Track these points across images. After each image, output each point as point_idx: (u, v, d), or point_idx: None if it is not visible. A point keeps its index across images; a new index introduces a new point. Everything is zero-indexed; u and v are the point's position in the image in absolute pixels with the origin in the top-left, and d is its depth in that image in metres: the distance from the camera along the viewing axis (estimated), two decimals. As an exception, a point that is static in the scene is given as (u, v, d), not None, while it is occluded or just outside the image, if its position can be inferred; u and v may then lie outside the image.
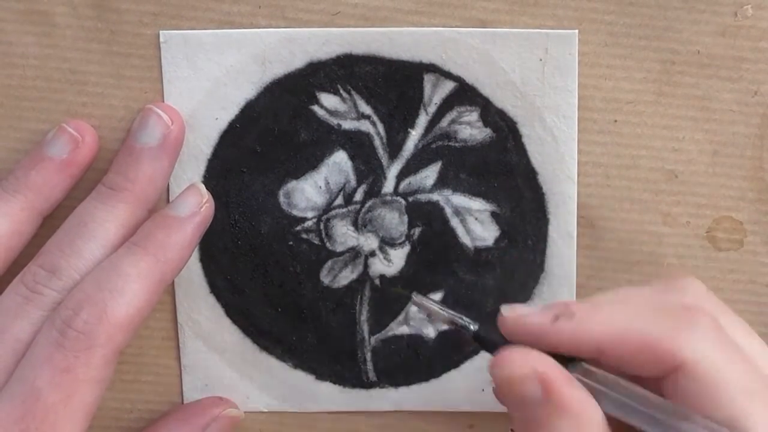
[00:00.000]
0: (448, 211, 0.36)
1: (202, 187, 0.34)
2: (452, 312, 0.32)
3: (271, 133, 0.35)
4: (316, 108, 0.35)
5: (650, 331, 0.28)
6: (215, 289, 0.36)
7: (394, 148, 0.35)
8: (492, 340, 0.31)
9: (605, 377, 0.29)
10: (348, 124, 0.35)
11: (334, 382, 0.37)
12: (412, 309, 0.36)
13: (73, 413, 0.29)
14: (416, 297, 0.32)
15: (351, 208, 0.36)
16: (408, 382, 0.37)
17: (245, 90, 0.35)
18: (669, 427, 0.28)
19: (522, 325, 0.30)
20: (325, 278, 0.36)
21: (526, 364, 0.29)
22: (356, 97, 0.35)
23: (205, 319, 0.37)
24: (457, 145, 0.35)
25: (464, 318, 0.31)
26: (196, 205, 0.33)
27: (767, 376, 0.28)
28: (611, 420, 0.29)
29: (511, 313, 0.30)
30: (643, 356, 0.28)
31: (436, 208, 0.36)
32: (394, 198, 0.36)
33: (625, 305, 0.29)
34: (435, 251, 0.36)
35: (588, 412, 0.28)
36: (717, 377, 0.27)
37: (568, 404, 0.28)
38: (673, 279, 0.31)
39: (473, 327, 0.31)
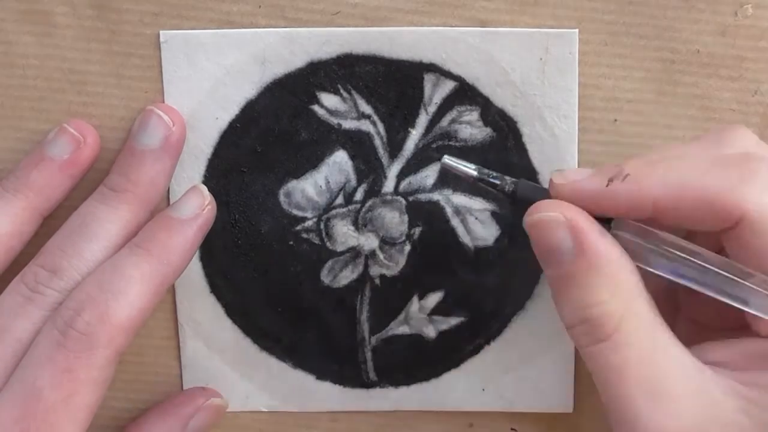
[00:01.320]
0: (449, 210, 0.36)
1: (205, 189, 0.34)
2: (486, 170, 0.31)
3: (272, 132, 0.35)
4: (316, 108, 0.35)
5: (709, 185, 0.27)
6: (215, 288, 0.36)
7: (394, 148, 0.35)
8: (532, 199, 0.30)
9: (652, 233, 0.28)
10: (348, 124, 0.35)
11: (335, 382, 0.37)
12: (413, 308, 0.36)
13: (73, 414, 0.29)
14: (447, 159, 0.32)
15: (351, 207, 0.36)
16: (408, 381, 0.37)
17: (245, 90, 0.35)
18: (725, 286, 0.27)
19: (576, 191, 0.29)
20: (325, 278, 0.36)
21: (557, 210, 0.28)
22: (356, 96, 0.35)
23: (205, 318, 0.37)
24: (457, 144, 0.35)
25: (502, 176, 0.31)
26: (198, 208, 0.33)
27: None
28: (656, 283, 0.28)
29: (562, 179, 0.29)
30: (703, 211, 0.27)
31: (436, 208, 0.36)
32: (395, 197, 0.36)
33: (680, 160, 0.28)
34: (435, 251, 0.36)
35: (623, 266, 0.28)
36: None
37: (602, 258, 0.27)
38: (722, 130, 0.30)
39: (509, 185, 0.31)
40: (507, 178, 0.31)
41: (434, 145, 0.35)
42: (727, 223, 0.27)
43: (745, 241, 0.27)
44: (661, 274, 0.28)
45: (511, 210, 0.35)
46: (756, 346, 0.28)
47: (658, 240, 0.28)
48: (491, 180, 0.31)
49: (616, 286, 0.28)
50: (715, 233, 0.28)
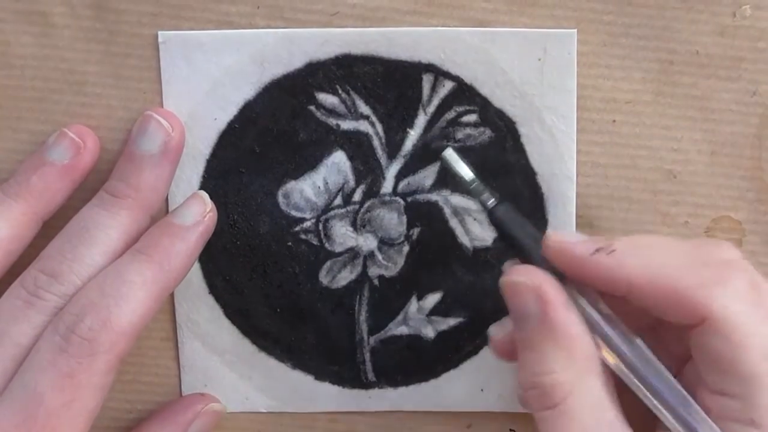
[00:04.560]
0: (447, 211, 0.36)
1: (206, 196, 0.34)
2: (478, 180, 0.32)
3: (270, 133, 0.35)
4: (314, 108, 0.35)
5: (683, 279, 0.28)
6: (214, 289, 0.36)
7: (392, 149, 0.35)
8: (504, 224, 0.31)
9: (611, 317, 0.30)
10: (347, 125, 0.35)
11: (333, 383, 0.37)
12: (411, 309, 0.36)
13: (74, 418, 0.29)
14: (448, 153, 0.33)
15: (350, 208, 0.36)
16: (407, 382, 0.37)
17: (244, 90, 0.35)
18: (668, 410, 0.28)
19: (562, 251, 0.30)
20: (324, 279, 0.36)
21: (529, 277, 0.29)
22: (355, 97, 0.35)
23: (204, 319, 0.37)
24: (455, 145, 0.35)
25: (490, 194, 0.32)
26: (200, 215, 0.33)
27: None
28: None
29: (555, 237, 0.30)
30: (672, 303, 0.28)
31: (434, 209, 0.35)
32: (393, 198, 0.35)
33: (664, 250, 0.29)
34: (434, 251, 0.36)
35: (582, 342, 0.29)
36: (742, 336, 0.27)
37: (562, 330, 0.29)
38: (712, 241, 0.32)
39: (491, 203, 0.32)
40: (492, 197, 0.32)
41: (433, 146, 0.35)
42: (692, 320, 0.28)
43: (706, 342, 0.28)
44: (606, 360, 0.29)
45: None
46: None
47: (612, 326, 0.30)
48: (479, 191, 0.32)
49: (570, 359, 0.29)
50: (683, 329, 0.29)
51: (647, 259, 0.29)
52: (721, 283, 0.28)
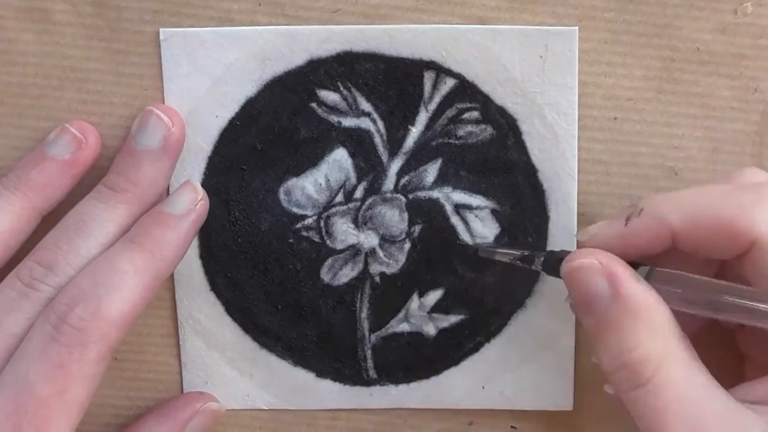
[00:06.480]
0: (449, 208, 0.36)
1: (197, 184, 0.34)
2: (515, 251, 0.34)
3: (272, 130, 0.35)
4: (316, 105, 0.35)
5: (723, 209, 0.28)
6: (215, 286, 0.36)
7: (394, 146, 0.35)
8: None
9: (670, 274, 0.29)
10: (348, 122, 0.35)
11: (335, 380, 0.37)
12: (413, 306, 0.36)
13: (65, 408, 0.29)
14: (482, 251, 0.35)
15: (351, 205, 0.36)
16: (408, 379, 0.37)
17: (245, 87, 0.35)
18: (741, 311, 0.28)
19: (600, 239, 0.30)
20: (325, 276, 0.36)
21: (592, 257, 0.29)
22: (356, 94, 0.35)
23: (205, 316, 0.37)
24: (457, 142, 0.35)
25: (531, 254, 0.33)
26: (191, 203, 0.33)
27: None
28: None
29: (585, 236, 0.31)
30: (718, 236, 0.28)
31: (436, 206, 0.35)
32: (395, 195, 0.36)
33: (694, 191, 0.29)
34: (435, 248, 0.36)
35: (659, 310, 0.28)
36: None
37: (639, 303, 0.28)
38: (734, 171, 0.31)
39: (537, 263, 0.33)
40: (536, 256, 0.33)
41: (434, 143, 0.35)
42: (741, 248, 0.28)
43: (759, 264, 0.27)
44: (699, 314, 0.29)
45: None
46: None
47: (690, 282, 0.29)
48: (523, 260, 0.33)
49: (653, 330, 0.28)
50: (733, 261, 0.28)
51: (681, 203, 0.29)
52: (760, 203, 0.28)
